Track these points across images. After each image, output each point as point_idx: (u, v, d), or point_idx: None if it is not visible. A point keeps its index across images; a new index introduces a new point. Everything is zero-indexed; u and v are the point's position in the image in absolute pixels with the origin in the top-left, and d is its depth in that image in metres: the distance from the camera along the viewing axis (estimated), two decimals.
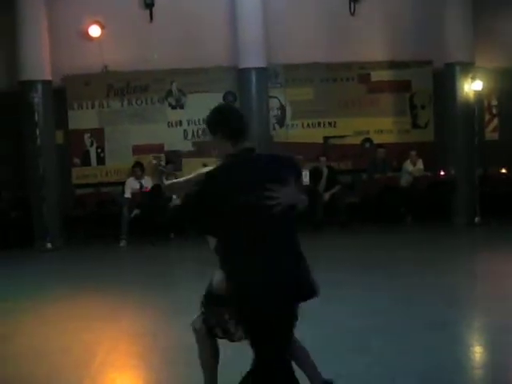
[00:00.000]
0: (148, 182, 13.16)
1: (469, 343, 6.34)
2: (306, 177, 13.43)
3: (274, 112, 14.18)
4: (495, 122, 15.12)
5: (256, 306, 3.48)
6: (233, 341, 4.27)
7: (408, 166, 14.04)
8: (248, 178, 3.57)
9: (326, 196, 13.38)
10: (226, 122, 3.73)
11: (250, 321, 3.58)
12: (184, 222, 3.79)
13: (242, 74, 13.46)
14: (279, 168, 3.63)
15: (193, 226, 3.78)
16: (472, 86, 13.37)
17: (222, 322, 4.19)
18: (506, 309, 7.17)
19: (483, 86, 13.47)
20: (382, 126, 14.54)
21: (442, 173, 13.57)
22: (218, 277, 4.10)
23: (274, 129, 14.17)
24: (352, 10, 14.31)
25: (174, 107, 14.08)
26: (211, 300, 4.22)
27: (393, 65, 14.47)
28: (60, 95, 13.39)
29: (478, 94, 13.52)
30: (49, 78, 12.76)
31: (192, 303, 7.22)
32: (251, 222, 3.49)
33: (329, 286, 8.05)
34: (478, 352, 6.03)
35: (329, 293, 7.71)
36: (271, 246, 3.52)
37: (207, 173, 3.75)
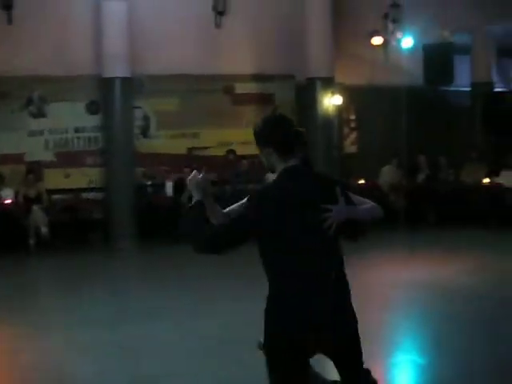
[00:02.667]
0: (7, 193, 12.69)
1: None
2: (169, 188, 13.48)
3: (139, 122, 14.06)
4: (354, 135, 15.75)
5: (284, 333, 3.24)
6: None
7: (271, 177, 14.29)
8: (299, 198, 3.40)
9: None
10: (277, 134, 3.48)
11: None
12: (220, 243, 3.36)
13: (106, 84, 13.30)
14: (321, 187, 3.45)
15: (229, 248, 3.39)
16: (332, 101, 13.89)
17: None
18: None
19: (342, 101, 14.04)
20: (245, 137, 14.69)
21: None
22: None
23: (138, 139, 14.03)
24: (217, 23, 14.48)
25: (35, 116, 13.64)
26: None
27: (257, 78, 14.71)
28: None
29: (337, 108, 14.07)
30: None
31: (52, 321, 7.07)
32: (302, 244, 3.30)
33: None
34: None
35: None
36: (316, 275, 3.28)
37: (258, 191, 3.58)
